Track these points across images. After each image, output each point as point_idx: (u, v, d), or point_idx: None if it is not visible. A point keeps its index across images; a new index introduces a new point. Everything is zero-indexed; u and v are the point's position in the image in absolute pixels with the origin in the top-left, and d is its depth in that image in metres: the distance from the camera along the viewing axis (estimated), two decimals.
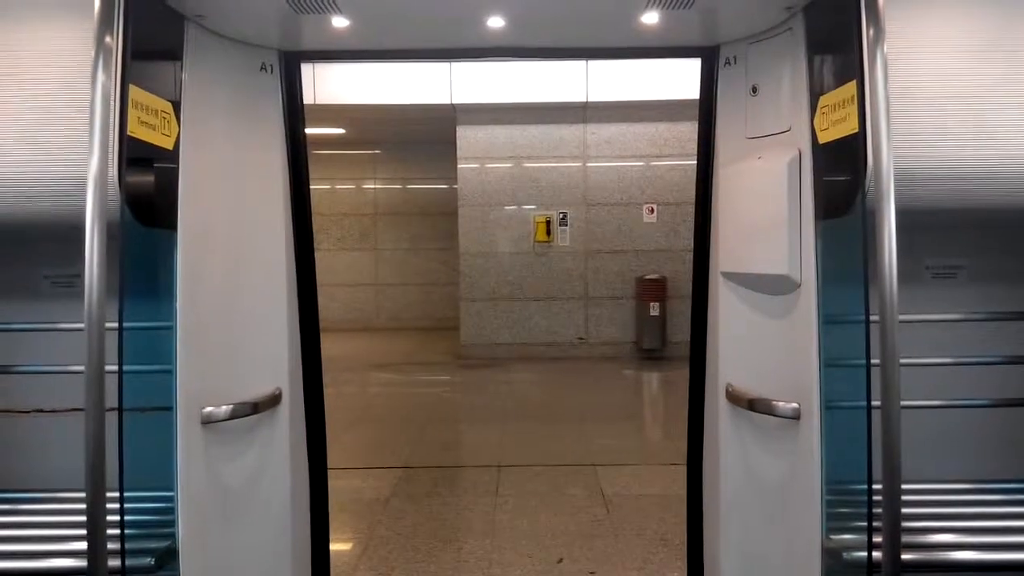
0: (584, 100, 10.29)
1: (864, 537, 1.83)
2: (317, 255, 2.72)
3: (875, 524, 1.74)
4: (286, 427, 2.49)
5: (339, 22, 2.25)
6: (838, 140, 1.97)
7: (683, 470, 2.85)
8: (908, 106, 1.85)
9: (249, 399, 2.33)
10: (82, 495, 1.59)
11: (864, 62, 1.76)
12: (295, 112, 2.54)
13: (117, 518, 1.73)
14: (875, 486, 1.72)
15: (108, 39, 1.65)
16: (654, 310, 10.60)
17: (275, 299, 2.48)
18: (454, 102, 10.29)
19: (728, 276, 2.47)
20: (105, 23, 1.65)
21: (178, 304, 2.08)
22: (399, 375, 10.02)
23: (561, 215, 10.92)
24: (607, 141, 10.88)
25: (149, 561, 1.91)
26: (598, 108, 10.57)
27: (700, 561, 2.72)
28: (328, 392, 2.79)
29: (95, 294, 1.56)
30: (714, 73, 2.52)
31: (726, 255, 2.47)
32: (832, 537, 2.06)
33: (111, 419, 1.66)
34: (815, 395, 2.12)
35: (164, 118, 1.99)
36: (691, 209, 2.77)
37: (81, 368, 1.57)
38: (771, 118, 2.33)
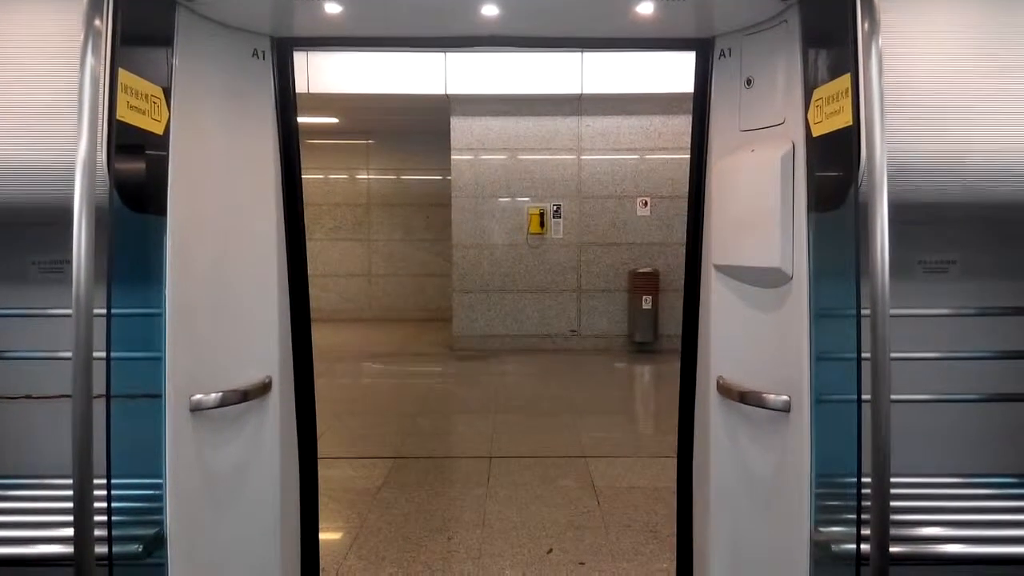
0: (579, 92, 10.27)
1: (853, 530, 1.84)
2: (310, 245, 2.71)
3: (864, 517, 1.75)
4: (276, 415, 2.48)
5: (332, 8, 2.23)
6: (832, 133, 1.97)
7: (673, 462, 2.85)
8: (902, 99, 1.85)
9: (239, 387, 2.32)
10: (70, 481, 1.58)
11: (859, 55, 1.76)
12: (287, 99, 2.52)
13: (104, 505, 1.73)
14: (864, 479, 1.72)
15: (97, 22, 1.63)
16: (646, 303, 10.61)
17: (266, 287, 2.47)
18: (448, 92, 10.25)
19: (720, 269, 2.47)
20: (94, 6, 1.63)
21: (167, 291, 2.06)
22: (391, 366, 10.01)
23: (555, 207, 10.91)
24: (601, 134, 10.86)
25: (137, 548, 1.91)
26: (593, 100, 10.55)
27: (690, 553, 2.73)
28: (319, 382, 2.78)
29: (83, 280, 1.55)
30: (709, 65, 2.51)
31: (719, 248, 2.46)
32: (821, 529, 2.07)
33: (100, 406, 1.66)
34: (806, 388, 2.12)
35: (154, 103, 1.97)
36: (685, 203, 2.77)
37: (69, 354, 1.56)
38: (765, 111, 2.33)
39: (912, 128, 1.86)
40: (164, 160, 2.05)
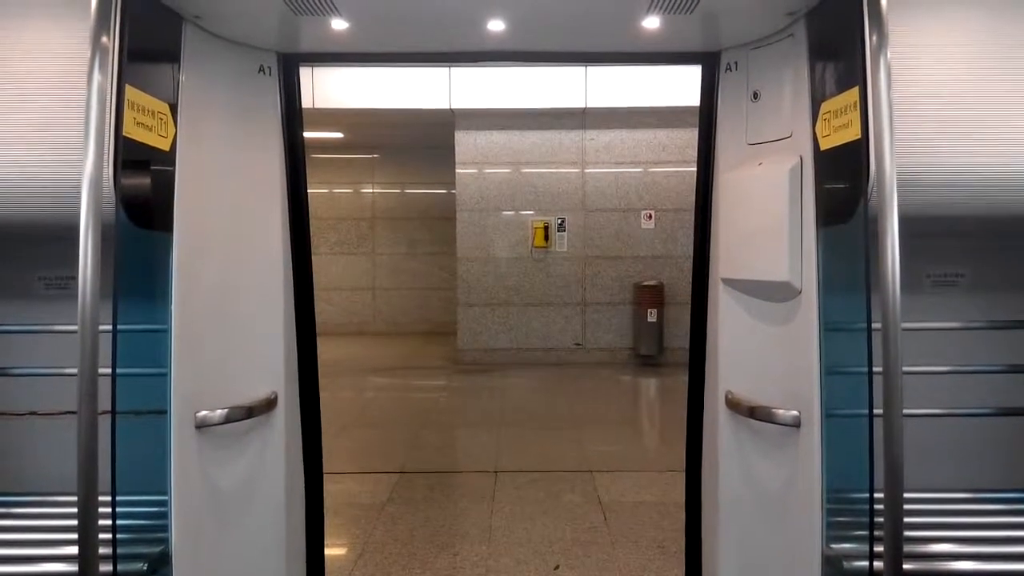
0: (583, 106, 10.29)
1: (865, 546, 1.81)
2: (315, 259, 2.71)
3: (876, 533, 1.73)
4: (281, 431, 2.47)
5: (338, 24, 2.24)
6: (840, 147, 1.96)
7: (681, 477, 2.83)
8: (910, 113, 1.84)
9: (244, 403, 2.31)
10: (75, 499, 1.57)
11: (867, 68, 1.75)
12: (293, 114, 2.52)
13: (109, 522, 1.71)
14: (876, 495, 1.70)
15: (104, 39, 1.63)
16: (651, 316, 10.58)
17: (271, 302, 2.46)
18: (453, 107, 10.28)
19: (728, 282, 2.45)
20: (102, 23, 1.63)
21: (173, 307, 2.06)
22: (396, 379, 9.99)
23: (559, 221, 10.92)
24: (606, 147, 10.88)
25: (142, 566, 1.89)
26: (597, 114, 10.56)
27: (698, 569, 2.70)
28: (324, 396, 2.77)
29: (89, 296, 1.55)
30: (715, 79, 2.51)
31: (726, 261, 2.45)
32: (832, 546, 2.04)
33: (105, 423, 1.64)
34: (816, 403, 2.10)
35: (161, 119, 1.97)
36: (689, 216, 2.76)
37: (75, 371, 1.55)
38: (772, 124, 2.32)
39: (921, 141, 1.85)
40: (170, 176, 2.05)
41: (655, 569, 3.94)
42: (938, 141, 1.86)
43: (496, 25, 2.27)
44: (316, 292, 2.71)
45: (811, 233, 2.13)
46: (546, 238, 10.87)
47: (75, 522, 1.57)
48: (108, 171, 1.74)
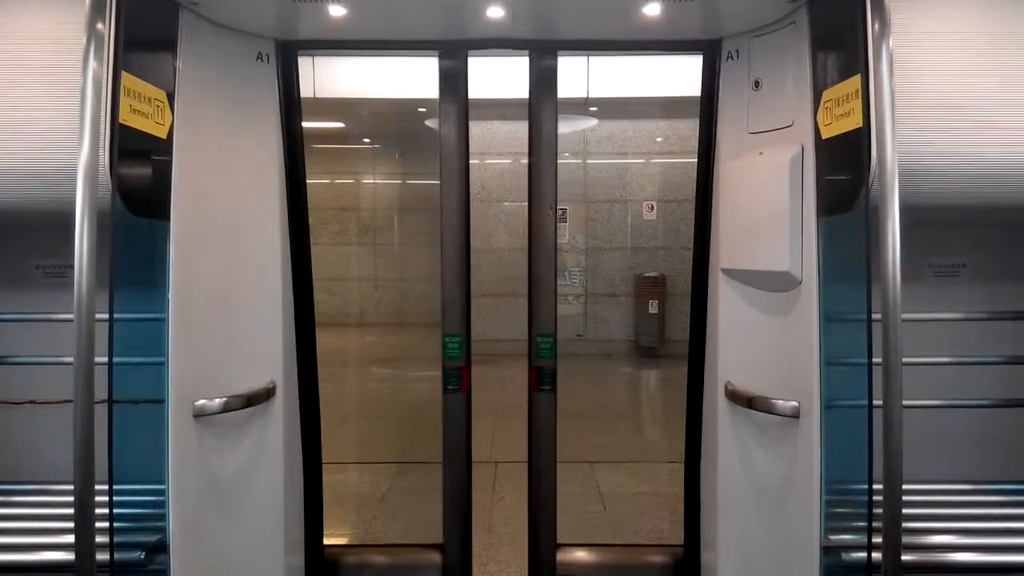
0: (585, 96, 10.25)
1: (863, 537, 1.81)
2: (315, 249, 2.70)
3: (875, 524, 1.72)
4: (280, 421, 2.47)
5: (335, 10, 2.22)
6: (841, 135, 1.95)
7: (680, 468, 2.82)
8: (912, 101, 1.83)
9: (242, 392, 2.31)
10: (73, 487, 1.56)
11: (869, 56, 1.73)
12: (291, 102, 2.51)
13: (107, 511, 1.71)
14: (875, 486, 1.69)
15: (100, 25, 1.62)
16: (652, 308, 10.57)
17: (270, 292, 2.46)
18: None
19: (728, 273, 2.44)
20: (97, 9, 1.62)
21: (171, 295, 2.05)
22: (396, 370, 9.98)
23: (560, 212, 10.90)
24: (607, 138, 10.85)
25: (139, 555, 1.89)
26: (599, 105, 10.52)
27: (697, 559, 2.70)
28: (324, 387, 2.76)
29: (85, 285, 1.54)
30: (716, 67, 2.49)
31: (726, 251, 2.44)
32: (831, 537, 2.04)
33: (102, 411, 1.64)
34: (815, 394, 2.09)
35: (157, 106, 1.96)
36: (690, 207, 2.74)
37: (72, 359, 1.55)
38: (774, 113, 2.30)
39: (923, 130, 1.84)
40: (167, 164, 2.04)
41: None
42: (940, 130, 1.85)
43: (495, 12, 2.25)
44: (317, 283, 2.70)
45: (812, 222, 2.12)
46: None
47: (72, 510, 1.57)
48: (104, 159, 1.73)
